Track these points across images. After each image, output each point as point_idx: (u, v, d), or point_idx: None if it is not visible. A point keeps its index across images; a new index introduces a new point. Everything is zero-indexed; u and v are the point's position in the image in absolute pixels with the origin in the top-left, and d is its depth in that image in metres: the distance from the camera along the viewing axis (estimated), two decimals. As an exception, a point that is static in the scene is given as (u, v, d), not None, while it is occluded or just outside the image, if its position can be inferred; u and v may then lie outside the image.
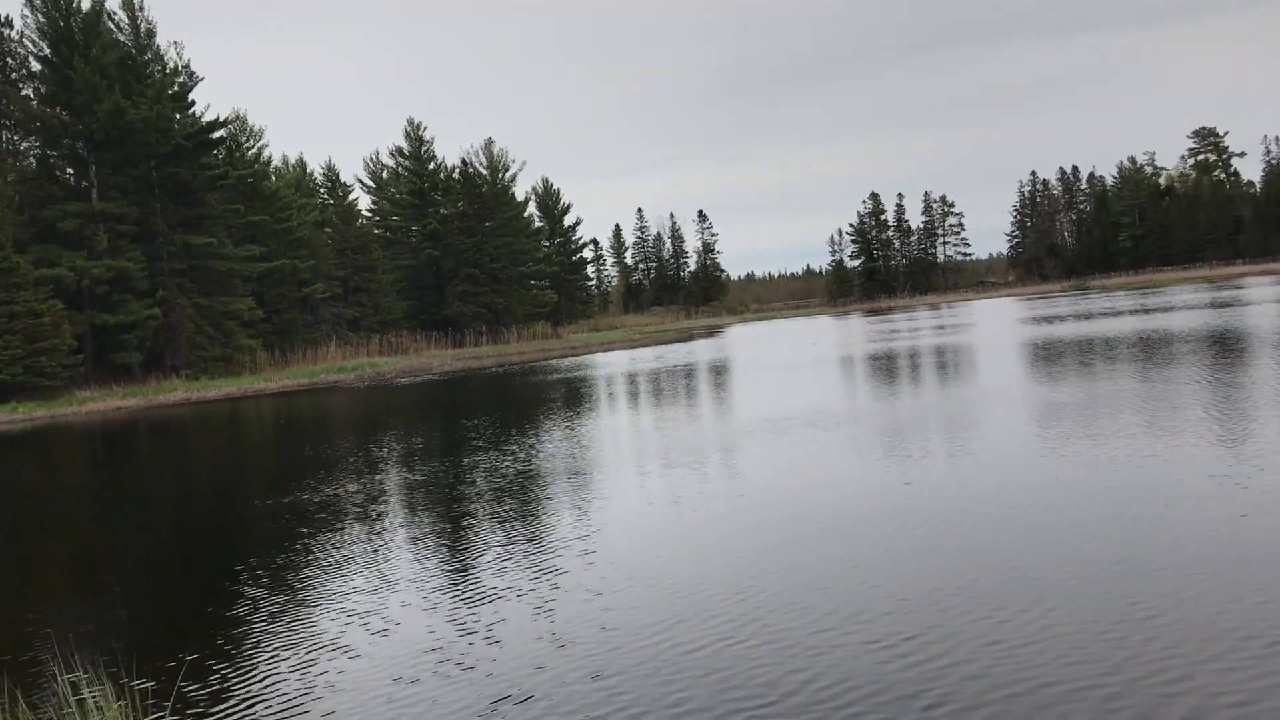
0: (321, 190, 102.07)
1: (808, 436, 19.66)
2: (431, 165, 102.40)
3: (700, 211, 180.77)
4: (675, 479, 16.50)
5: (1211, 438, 15.41)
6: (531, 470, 18.59)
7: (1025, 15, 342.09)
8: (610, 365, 54.18)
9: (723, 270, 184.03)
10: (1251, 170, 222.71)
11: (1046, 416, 19.50)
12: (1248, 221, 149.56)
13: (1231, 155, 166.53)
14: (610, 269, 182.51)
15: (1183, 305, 59.68)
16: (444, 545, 13.27)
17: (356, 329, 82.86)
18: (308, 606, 10.90)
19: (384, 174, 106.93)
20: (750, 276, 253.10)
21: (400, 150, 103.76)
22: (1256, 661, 7.06)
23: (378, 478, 19.70)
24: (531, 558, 11.99)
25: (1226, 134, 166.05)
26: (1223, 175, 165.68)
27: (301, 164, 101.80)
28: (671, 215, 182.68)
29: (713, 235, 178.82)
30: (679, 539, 12.46)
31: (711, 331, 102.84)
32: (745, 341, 71.41)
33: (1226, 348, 30.08)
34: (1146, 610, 8.23)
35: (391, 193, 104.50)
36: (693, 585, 10.26)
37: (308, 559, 13.13)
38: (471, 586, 11.00)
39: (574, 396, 35.65)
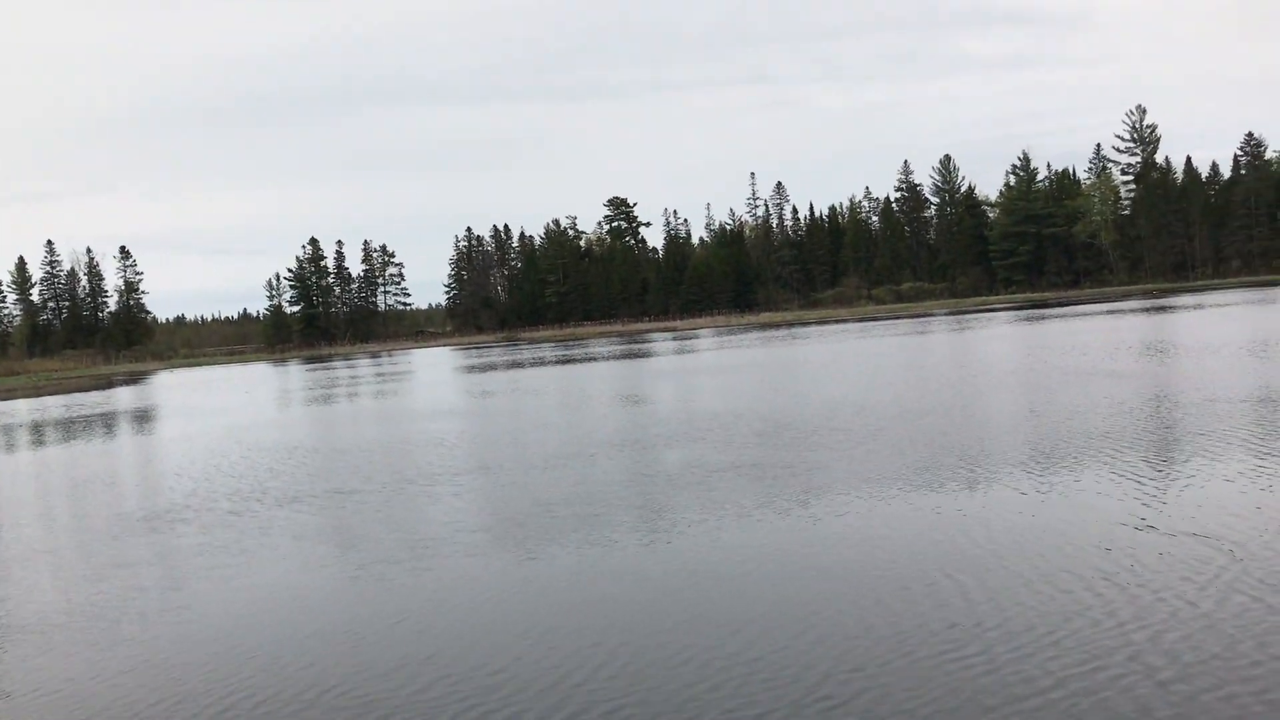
0: None
1: (227, 517, 18.47)
2: None
3: (123, 248, 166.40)
4: (81, 569, 14.63)
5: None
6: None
7: (459, 81, 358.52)
8: (7, 416, 47.54)
9: (148, 312, 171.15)
10: (655, 238, 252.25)
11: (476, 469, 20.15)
12: (652, 283, 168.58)
13: (640, 224, 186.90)
14: (12, 307, 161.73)
15: (603, 356, 65.44)
16: None
17: None
18: None
19: None
20: (180, 319, 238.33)
21: None
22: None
23: None
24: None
25: (636, 205, 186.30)
26: (633, 241, 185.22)
27: None
28: (89, 250, 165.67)
29: (137, 274, 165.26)
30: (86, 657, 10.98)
31: (135, 378, 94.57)
32: (172, 389, 66.44)
33: (630, 393, 33.35)
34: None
35: None
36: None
37: None
38: None
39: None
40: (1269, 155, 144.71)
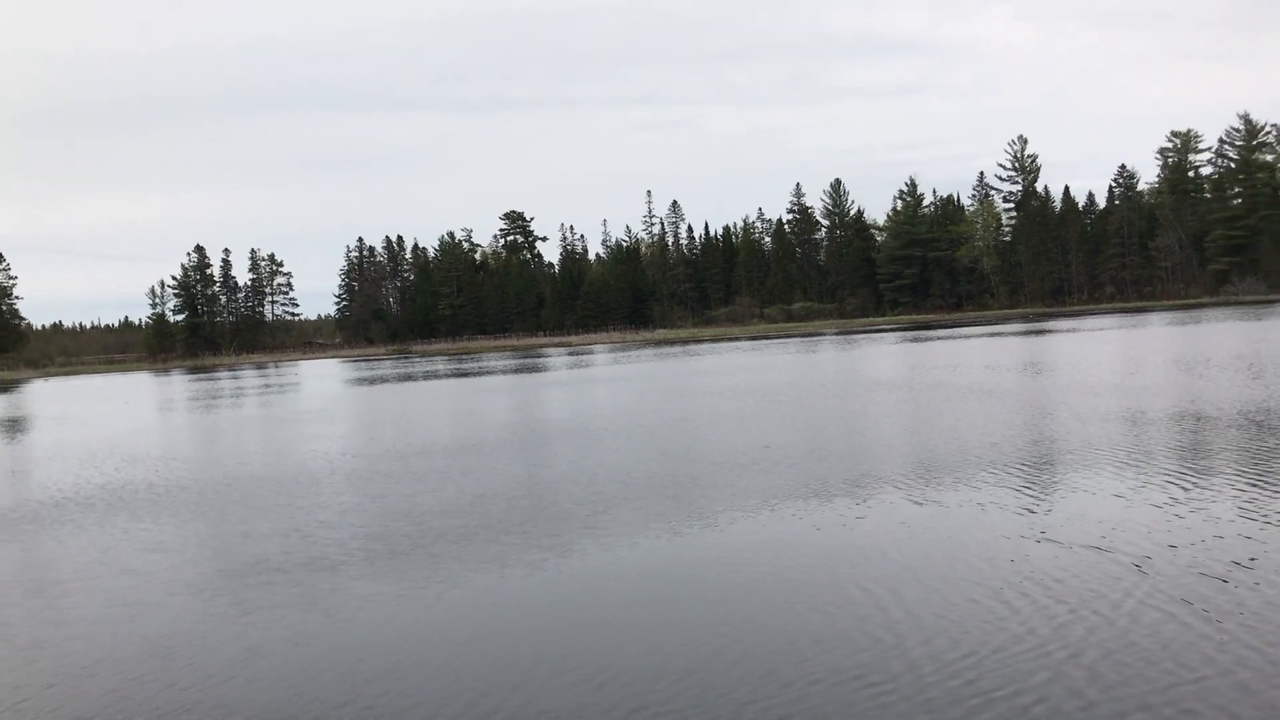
0: None
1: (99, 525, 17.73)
2: None
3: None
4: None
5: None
6: None
7: (354, 88, 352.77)
8: None
9: (22, 318, 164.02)
10: (552, 253, 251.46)
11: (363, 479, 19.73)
12: (548, 298, 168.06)
13: (536, 239, 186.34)
14: None
15: (497, 370, 64.87)
16: None
17: None
18: None
19: None
20: (58, 326, 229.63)
21: None
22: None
23: None
24: None
25: (532, 219, 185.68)
26: (529, 256, 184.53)
27: None
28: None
29: (11, 278, 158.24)
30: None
31: (7, 387, 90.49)
32: (46, 399, 63.75)
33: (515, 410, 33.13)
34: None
35: None
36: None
37: None
38: None
39: None
40: (1141, 186, 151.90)
